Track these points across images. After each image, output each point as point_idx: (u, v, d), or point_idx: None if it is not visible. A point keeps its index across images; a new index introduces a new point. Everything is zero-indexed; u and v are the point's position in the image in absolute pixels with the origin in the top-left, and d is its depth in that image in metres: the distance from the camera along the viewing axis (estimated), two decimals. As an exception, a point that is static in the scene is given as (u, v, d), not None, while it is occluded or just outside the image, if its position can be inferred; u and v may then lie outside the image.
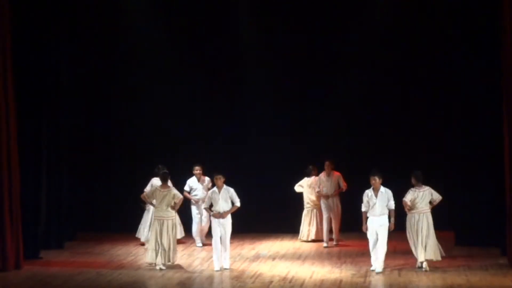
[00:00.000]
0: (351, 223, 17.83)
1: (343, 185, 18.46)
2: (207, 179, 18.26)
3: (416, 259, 15.56)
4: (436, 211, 18.80)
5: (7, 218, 15.77)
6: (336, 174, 18.56)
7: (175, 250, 16.08)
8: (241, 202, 15.80)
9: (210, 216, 16.09)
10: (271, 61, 20.45)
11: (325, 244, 18.34)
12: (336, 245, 18.32)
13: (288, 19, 20.29)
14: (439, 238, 17.07)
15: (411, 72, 20.18)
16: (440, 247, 15.74)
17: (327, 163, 18.49)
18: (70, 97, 19.37)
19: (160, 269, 15.81)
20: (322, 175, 18.60)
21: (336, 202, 18.52)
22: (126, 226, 20.14)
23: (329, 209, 18.47)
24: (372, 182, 15.26)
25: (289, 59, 20.44)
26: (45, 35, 17.87)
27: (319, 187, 18.57)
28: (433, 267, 15.52)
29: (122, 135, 21.13)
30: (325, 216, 18.49)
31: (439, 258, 15.62)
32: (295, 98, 20.64)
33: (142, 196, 16.48)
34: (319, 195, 18.67)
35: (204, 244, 18.22)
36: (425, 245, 15.43)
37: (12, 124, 15.98)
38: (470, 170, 17.70)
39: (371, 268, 15.30)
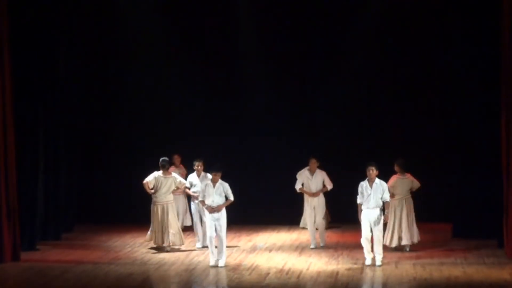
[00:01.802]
0: (348, 216, 17.64)
1: (329, 184, 16.98)
2: (208, 175, 17.77)
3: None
4: (434, 203, 18.90)
5: (4, 209, 15.76)
6: (321, 172, 17.05)
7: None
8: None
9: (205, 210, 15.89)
10: (270, 59, 20.53)
11: (312, 246, 17.11)
12: (323, 247, 17.17)
13: (287, 22, 20.38)
14: (436, 230, 17.15)
15: (410, 67, 20.19)
16: (418, 232, 16.42)
17: (312, 160, 17.00)
18: (68, 92, 19.33)
19: (167, 251, 16.62)
20: (307, 172, 17.10)
21: (319, 202, 17.07)
22: (123, 218, 20.27)
23: (311, 208, 17.14)
24: (369, 172, 15.17)
25: (287, 57, 20.50)
26: (43, 33, 17.79)
27: (302, 184, 17.10)
28: (429, 259, 15.58)
29: (120, 128, 21.12)
30: (309, 217, 17.23)
31: (415, 241, 16.39)
32: (293, 95, 20.73)
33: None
34: (302, 192, 17.26)
35: (203, 247, 17.20)
36: (403, 229, 16.23)
37: (9, 115, 15.94)
38: (467, 162, 17.70)
39: (366, 263, 15.16)
